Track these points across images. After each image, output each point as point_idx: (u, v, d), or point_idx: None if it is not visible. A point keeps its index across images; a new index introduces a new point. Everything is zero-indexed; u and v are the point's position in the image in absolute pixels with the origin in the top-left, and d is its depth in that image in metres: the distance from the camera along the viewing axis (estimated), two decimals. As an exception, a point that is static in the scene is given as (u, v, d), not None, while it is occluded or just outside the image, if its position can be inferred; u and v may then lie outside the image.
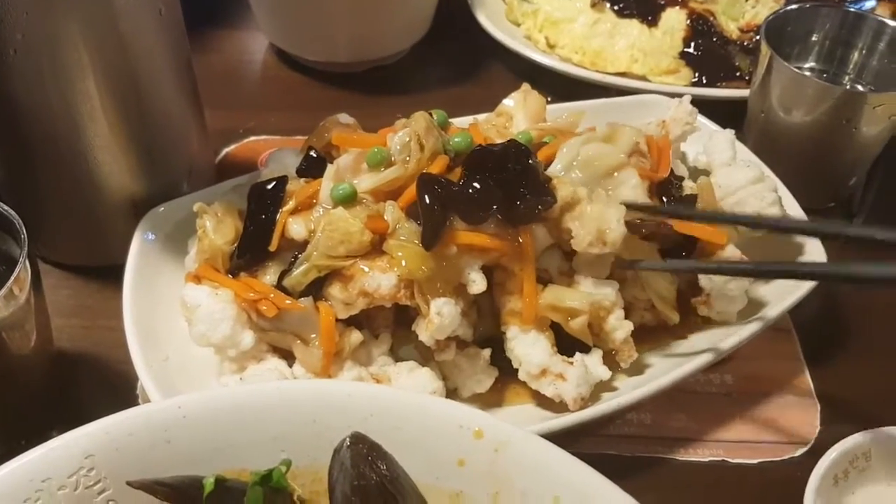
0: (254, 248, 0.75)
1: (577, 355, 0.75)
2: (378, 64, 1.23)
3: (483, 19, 1.25)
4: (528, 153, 0.75)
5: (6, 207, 0.71)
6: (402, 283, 0.71)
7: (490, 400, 0.78)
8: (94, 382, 0.84)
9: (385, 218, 0.73)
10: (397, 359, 0.78)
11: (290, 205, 0.75)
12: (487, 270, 0.74)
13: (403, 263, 0.71)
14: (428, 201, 0.70)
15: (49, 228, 0.87)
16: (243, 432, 0.59)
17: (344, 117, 0.87)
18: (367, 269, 0.71)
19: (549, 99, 0.97)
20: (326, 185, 0.75)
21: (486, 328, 0.79)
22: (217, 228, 0.76)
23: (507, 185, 0.72)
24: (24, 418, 0.77)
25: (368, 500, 0.52)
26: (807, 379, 0.87)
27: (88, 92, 0.77)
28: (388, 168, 0.73)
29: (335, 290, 0.72)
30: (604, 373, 0.74)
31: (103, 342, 0.85)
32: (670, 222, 0.79)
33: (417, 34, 1.24)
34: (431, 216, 0.70)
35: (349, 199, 0.74)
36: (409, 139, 0.72)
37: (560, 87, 1.15)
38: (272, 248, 0.74)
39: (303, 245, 0.74)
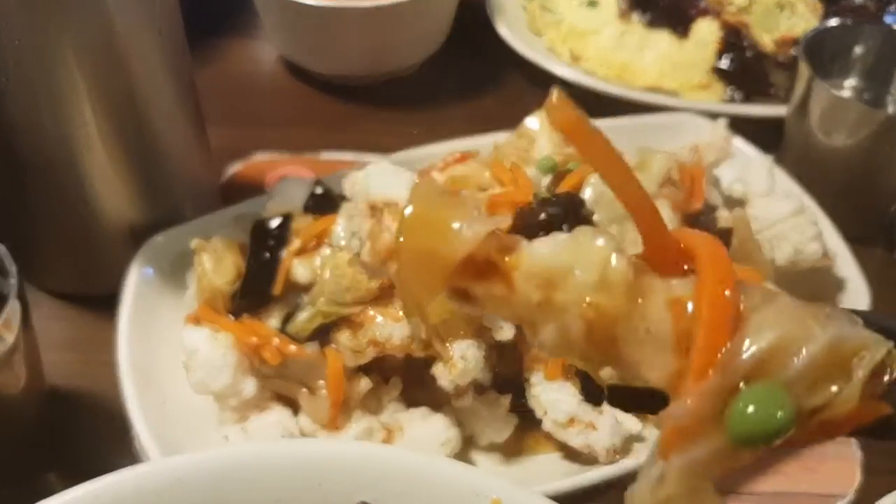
0: (256, 291, 0.71)
1: (606, 405, 0.70)
2: (392, 76, 1.18)
3: (503, 29, 1.19)
4: (580, 204, 0.71)
5: (-6, 242, 0.67)
6: (416, 334, 0.67)
7: (509, 449, 0.74)
8: (89, 422, 0.79)
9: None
10: (409, 402, 0.74)
11: (296, 245, 0.70)
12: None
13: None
14: None
15: (43, 256, 0.83)
16: (244, 496, 0.55)
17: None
18: (378, 316, 0.66)
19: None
20: (341, 224, 0.70)
21: (501, 370, 0.75)
22: (216, 268, 0.72)
23: None
24: (12, 464, 0.73)
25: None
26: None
27: (84, 117, 0.73)
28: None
29: (344, 336, 0.68)
30: (634, 425, 0.69)
31: (99, 378, 0.80)
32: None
33: (434, 45, 1.18)
34: None
35: None
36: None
37: (585, 101, 1.09)
38: (276, 291, 0.70)
39: (309, 287, 0.70)
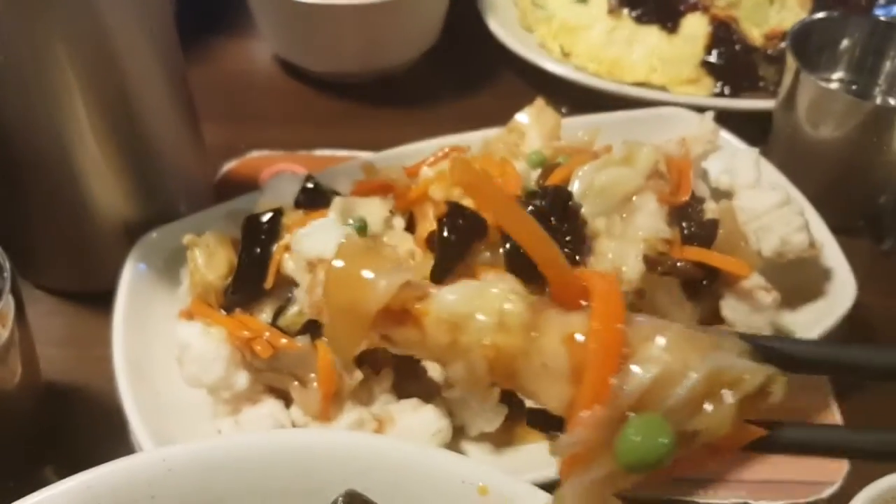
0: (248, 285, 0.72)
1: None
2: (385, 74, 1.19)
3: (494, 26, 1.20)
4: (567, 197, 0.71)
5: (-13, 239, 0.68)
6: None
7: (500, 439, 0.74)
8: (85, 416, 0.80)
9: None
10: (401, 393, 0.74)
11: (287, 239, 0.71)
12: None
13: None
14: (447, 234, 0.66)
15: (39, 254, 0.84)
16: (233, 487, 0.55)
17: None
18: (367, 308, 0.67)
19: (564, 110, 0.92)
20: (332, 219, 0.71)
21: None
22: (208, 263, 0.72)
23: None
24: (8, 458, 0.74)
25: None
26: (834, 413, 0.82)
27: (77, 116, 0.74)
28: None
29: (334, 329, 0.68)
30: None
31: (95, 373, 0.81)
32: (688, 254, 0.74)
33: (426, 42, 1.19)
34: (447, 250, 0.66)
35: (362, 233, 0.70)
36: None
37: (576, 97, 1.11)
38: (267, 285, 0.70)
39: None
